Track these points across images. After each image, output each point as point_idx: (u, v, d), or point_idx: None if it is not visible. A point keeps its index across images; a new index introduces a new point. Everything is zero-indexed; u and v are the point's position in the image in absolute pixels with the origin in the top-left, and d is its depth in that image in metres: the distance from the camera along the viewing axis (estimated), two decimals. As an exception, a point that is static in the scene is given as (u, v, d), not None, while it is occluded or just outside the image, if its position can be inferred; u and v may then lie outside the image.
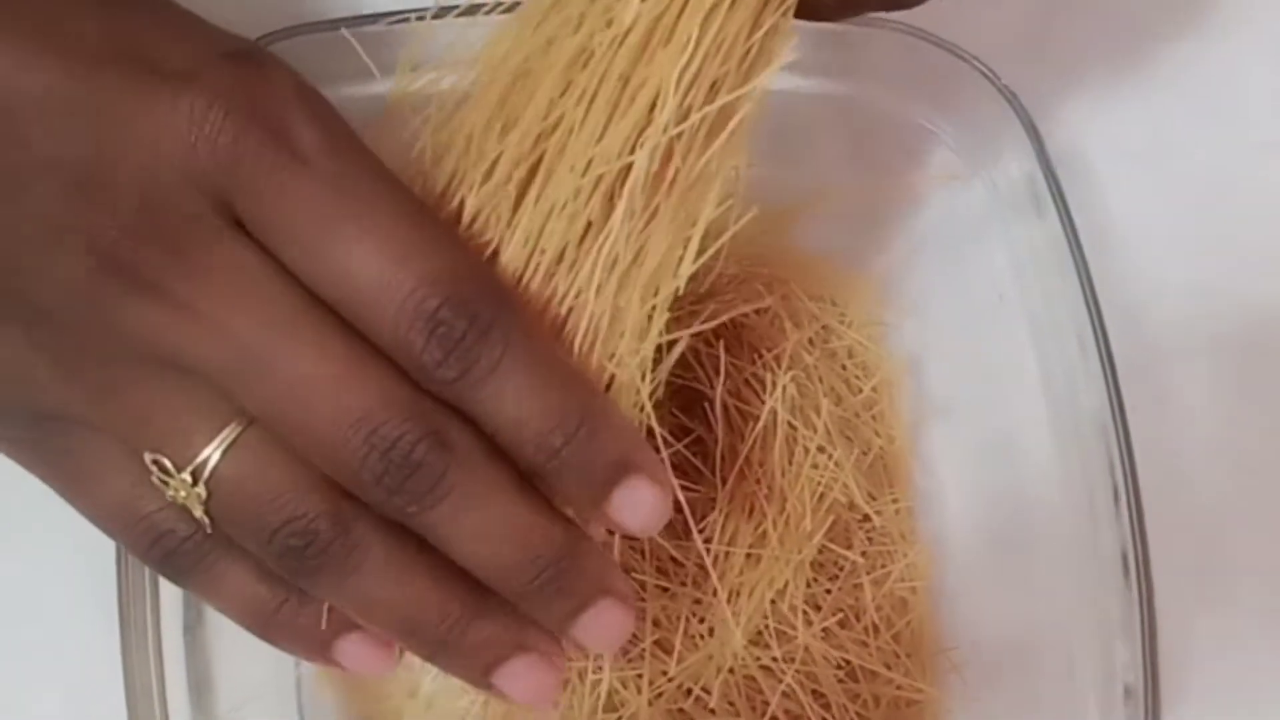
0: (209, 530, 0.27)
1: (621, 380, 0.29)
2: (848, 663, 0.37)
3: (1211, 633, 0.40)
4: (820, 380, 0.41)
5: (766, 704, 0.36)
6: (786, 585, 0.36)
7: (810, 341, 0.41)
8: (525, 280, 0.28)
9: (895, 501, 0.41)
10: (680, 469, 0.38)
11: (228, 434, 0.27)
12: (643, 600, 0.36)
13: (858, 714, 0.37)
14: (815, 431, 0.38)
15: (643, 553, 0.36)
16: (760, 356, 0.39)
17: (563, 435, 0.26)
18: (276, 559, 0.27)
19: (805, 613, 0.37)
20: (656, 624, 0.36)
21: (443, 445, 0.26)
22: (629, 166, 0.27)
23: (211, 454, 0.26)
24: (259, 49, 0.27)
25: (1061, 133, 0.40)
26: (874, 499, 0.41)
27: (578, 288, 0.28)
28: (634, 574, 0.36)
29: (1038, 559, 0.40)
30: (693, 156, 0.28)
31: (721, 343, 0.38)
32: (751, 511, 0.37)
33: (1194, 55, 0.45)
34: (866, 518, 0.40)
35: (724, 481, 0.36)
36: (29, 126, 0.26)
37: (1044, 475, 0.41)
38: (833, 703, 0.37)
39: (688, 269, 0.29)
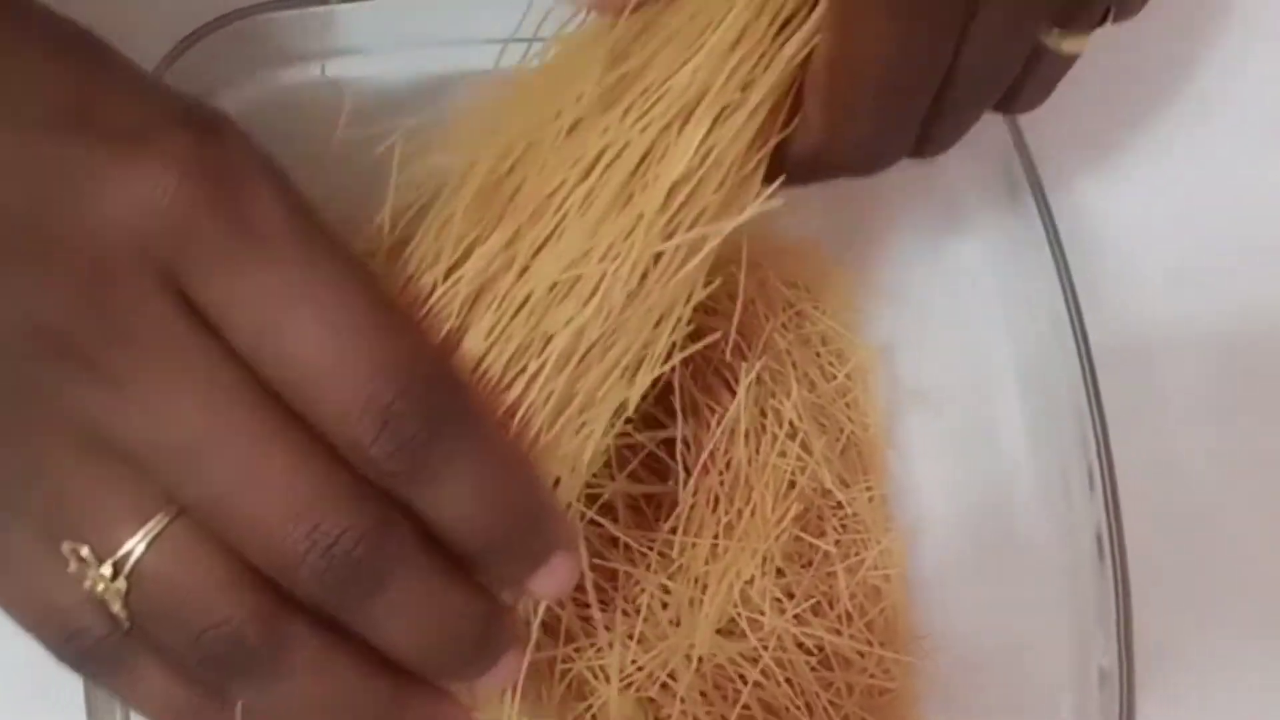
0: (127, 627, 0.26)
1: (566, 455, 0.29)
2: (821, 650, 0.37)
3: (1187, 619, 0.40)
4: (794, 366, 0.40)
5: (739, 693, 0.36)
6: (753, 576, 0.35)
7: (784, 327, 0.41)
8: (482, 369, 0.28)
9: (869, 489, 0.41)
10: (649, 462, 0.37)
11: (154, 525, 0.25)
12: (613, 590, 0.36)
13: (830, 702, 0.36)
14: (784, 421, 0.38)
15: (614, 541, 0.36)
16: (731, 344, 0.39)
17: (501, 534, 0.26)
18: (199, 662, 0.25)
19: (778, 600, 0.37)
20: (626, 614, 0.35)
21: (385, 542, 0.25)
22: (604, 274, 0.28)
23: (135, 545, 0.25)
24: (218, 114, 0.26)
25: (1039, 121, 0.40)
26: (847, 486, 0.40)
27: (535, 383, 0.28)
28: (605, 562, 0.36)
29: (1013, 546, 0.40)
30: (666, 276, 0.29)
31: (692, 327, 0.38)
32: (717, 503, 0.37)
33: (1178, 49, 0.45)
34: (840, 505, 0.40)
35: (689, 473, 0.36)
36: None
37: (1020, 462, 0.41)
38: (805, 691, 0.36)
39: (644, 382, 0.30)
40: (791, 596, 0.38)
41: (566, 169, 0.29)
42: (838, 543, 0.39)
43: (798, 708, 0.36)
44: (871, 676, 0.37)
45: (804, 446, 0.38)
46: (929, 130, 0.31)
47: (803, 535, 0.38)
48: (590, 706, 0.35)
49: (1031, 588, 0.39)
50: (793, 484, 0.38)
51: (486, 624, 0.27)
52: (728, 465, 0.37)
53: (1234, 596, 0.41)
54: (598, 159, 0.29)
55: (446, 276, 0.28)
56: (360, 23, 0.38)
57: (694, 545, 0.36)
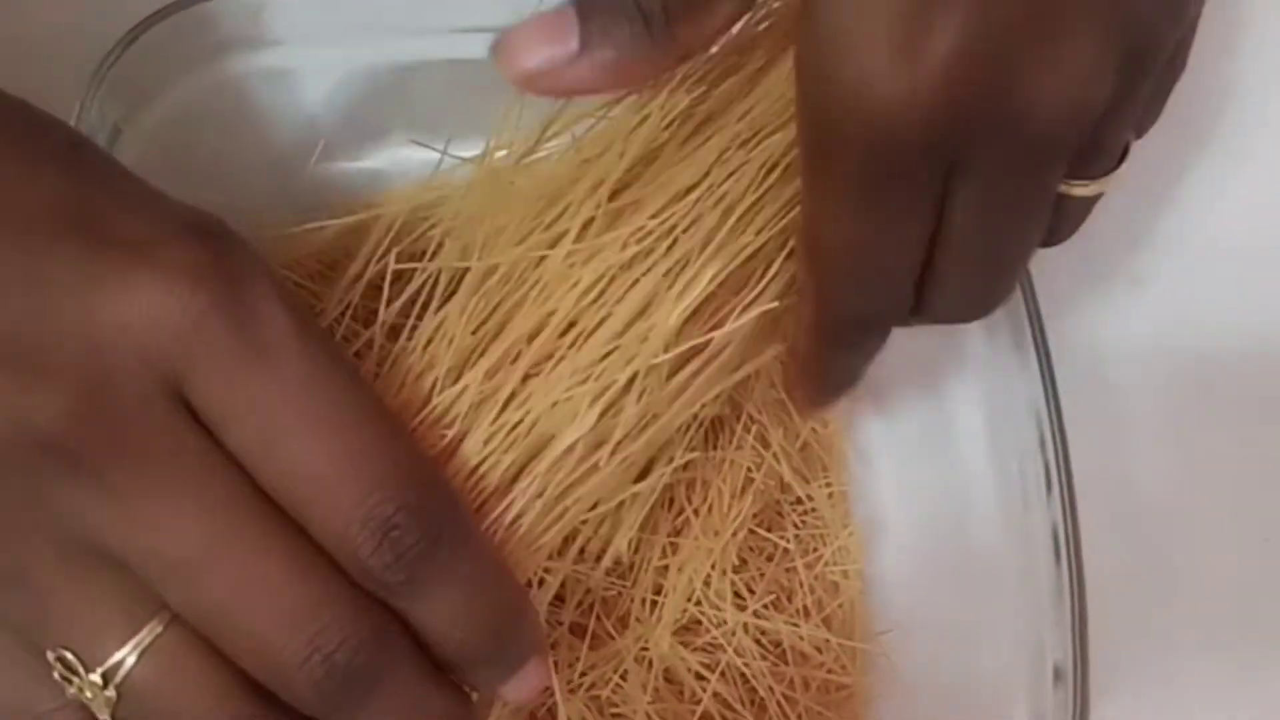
0: None
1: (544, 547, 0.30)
2: (776, 646, 0.37)
3: (1142, 622, 0.40)
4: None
5: (692, 689, 0.36)
6: (709, 577, 0.35)
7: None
8: (478, 475, 0.28)
9: (828, 486, 0.41)
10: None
11: (146, 634, 0.25)
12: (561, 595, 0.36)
13: (784, 695, 0.36)
14: (742, 415, 0.38)
15: (568, 539, 0.36)
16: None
17: (485, 645, 0.27)
18: None
19: (737, 596, 0.37)
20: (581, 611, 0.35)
21: (380, 649, 0.25)
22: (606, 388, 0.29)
23: (126, 655, 0.25)
24: (221, 223, 0.26)
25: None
26: (807, 482, 0.40)
27: (527, 493, 0.29)
28: (556, 563, 0.35)
29: (970, 546, 0.40)
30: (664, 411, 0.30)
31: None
32: (672, 501, 0.37)
33: None
34: (799, 500, 0.40)
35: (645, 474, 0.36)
36: None
37: (977, 463, 0.40)
38: (759, 687, 0.36)
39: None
40: (752, 592, 0.37)
41: (566, 290, 0.30)
42: (796, 538, 0.39)
43: (751, 703, 0.36)
44: (828, 671, 0.37)
45: (761, 440, 0.38)
46: (926, 297, 0.30)
47: (758, 530, 0.38)
48: (543, 705, 0.35)
49: (988, 587, 0.39)
50: (750, 480, 0.38)
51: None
52: (685, 465, 0.37)
53: (1188, 600, 0.41)
54: (602, 286, 0.30)
55: (445, 382, 0.29)
56: (308, 10, 0.38)
57: (648, 543, 0.36)
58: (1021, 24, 0.25)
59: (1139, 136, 0.31)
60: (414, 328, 0.30)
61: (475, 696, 0.29)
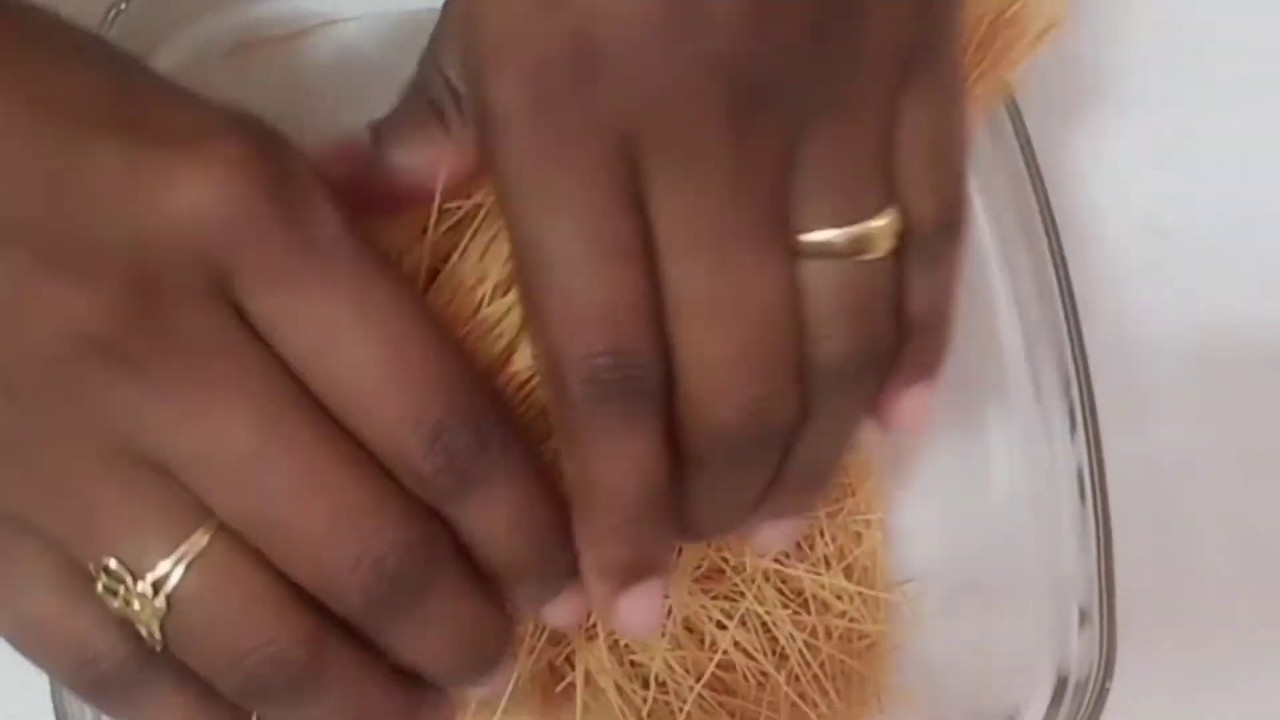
0: (159, 649, 0.25)
1: None
2: (798, 595, 0.36)
3: (1167, 565, 0.40)
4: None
5: (713, 637, 0.35)
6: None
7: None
8: (526, 392, 0.28)
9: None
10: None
11: (197, 542, 0.24)
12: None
13: (806, 644, 0.35)
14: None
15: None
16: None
17: (533, 554, 0.27)
18: (235, 685, 0.25)
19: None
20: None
21: (428, 556, 0.25)
22: None
23: (176, 564, 0.24)
24: (267, 124, 0.25)
25: (1039, 121, 0.39)
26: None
27: None
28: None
29: (993, 490, 0.39)
30: None
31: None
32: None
33: (1181, 51, 0.45)
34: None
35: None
36: (8, 186, 0.23)
37: (1001, 406, 0.40)
38: (780, 635, 0.36)
39: None
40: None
41: None
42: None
43: (773, 652, 0.36)
44: (850, 620, 0.37)
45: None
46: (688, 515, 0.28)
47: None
48: (559, 653, 0.34)
49: (1011, 533, 0.39)
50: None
51: (502, 642, 0.28)
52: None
53: (1214, 544, 0.41)
54: None
55: (494, 296, 0.28)
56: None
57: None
58: None
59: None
60: (465, 248, 0.29)
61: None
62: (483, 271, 0.28)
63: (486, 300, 0.28)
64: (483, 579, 0.27)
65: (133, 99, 0.24)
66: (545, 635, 0.34)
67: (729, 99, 0.24)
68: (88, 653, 0.25)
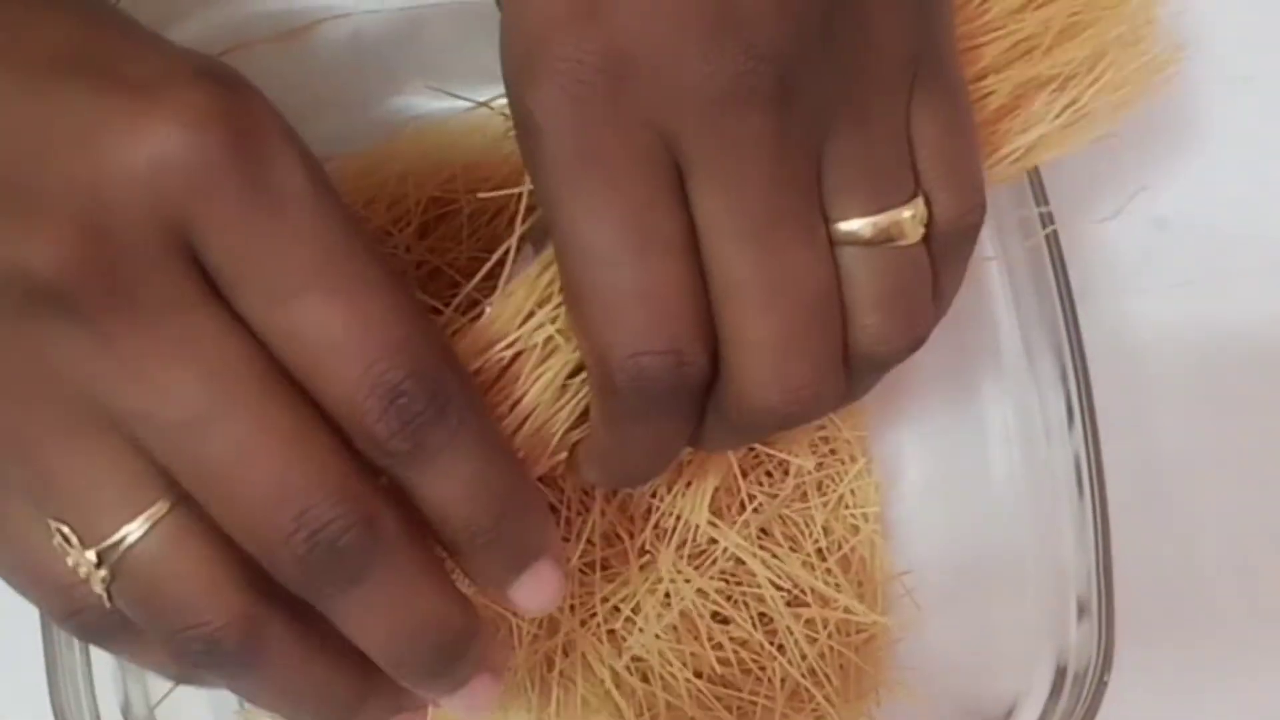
0: (109, 607, 0.25)
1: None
2: (796, 587, 0.36)
3: (1165, 558, 0.40)
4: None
5: (710, 629, 0.35)
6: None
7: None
8: (487, 357, 0.28)
9: (850, 429, 0.40)
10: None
11: (144, 519, 0.24)
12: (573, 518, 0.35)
13: (803, 635, 0.35)
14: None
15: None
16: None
17: (491, 521, 0.26)
18: (173, 658, 0.25)
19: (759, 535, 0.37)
20: (591, 543, 0.35)
21: (371, 533, 0.24)
22: None
23: (122, 537, 0.24)
24: (237, 73, 0.24)
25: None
26: (824, 425, 0.40)
27: (533, 376, 0.28)
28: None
29: (992, 481, 0.39)
30: None
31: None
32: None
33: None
34: (818, 442, 0.39)
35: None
36: None
37: (998, 397, 0.40)
38: (779, 627, 0.36)
39: None
40: (766, 533, 0.37)
41: None
42: (819, 466, 0.38)
43: (771, 644, 0.36)
44: (845, 611, 0.36)
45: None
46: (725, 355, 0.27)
47: (769, 451, 0.38)
48: (555, 644, 0.34)
49: (1009, 525, 0.38)
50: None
51: (460, 637, 0.27)
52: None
53: (1212, 539, 0.41)
54: None
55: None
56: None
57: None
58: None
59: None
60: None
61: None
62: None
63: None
64: (441, 568, 0.26)
65: (99, 44, 0.24)
66: (543, 626, 0.34)
67: (763, 90, 0.24)
68: (73, 603, 0.25)
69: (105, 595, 0.25)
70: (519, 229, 0.28)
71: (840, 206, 0.26)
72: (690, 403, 0.27)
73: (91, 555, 0.24)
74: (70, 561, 0.24)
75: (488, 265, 0.28)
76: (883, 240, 0.26)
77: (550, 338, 0.28)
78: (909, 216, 0.27)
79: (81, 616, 0.26)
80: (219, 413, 0.23)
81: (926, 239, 0.27)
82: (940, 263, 0.28)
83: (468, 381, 0.26)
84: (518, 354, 0.28)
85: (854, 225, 0.26)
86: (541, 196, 0.26)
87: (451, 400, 0.25)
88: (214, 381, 0.23)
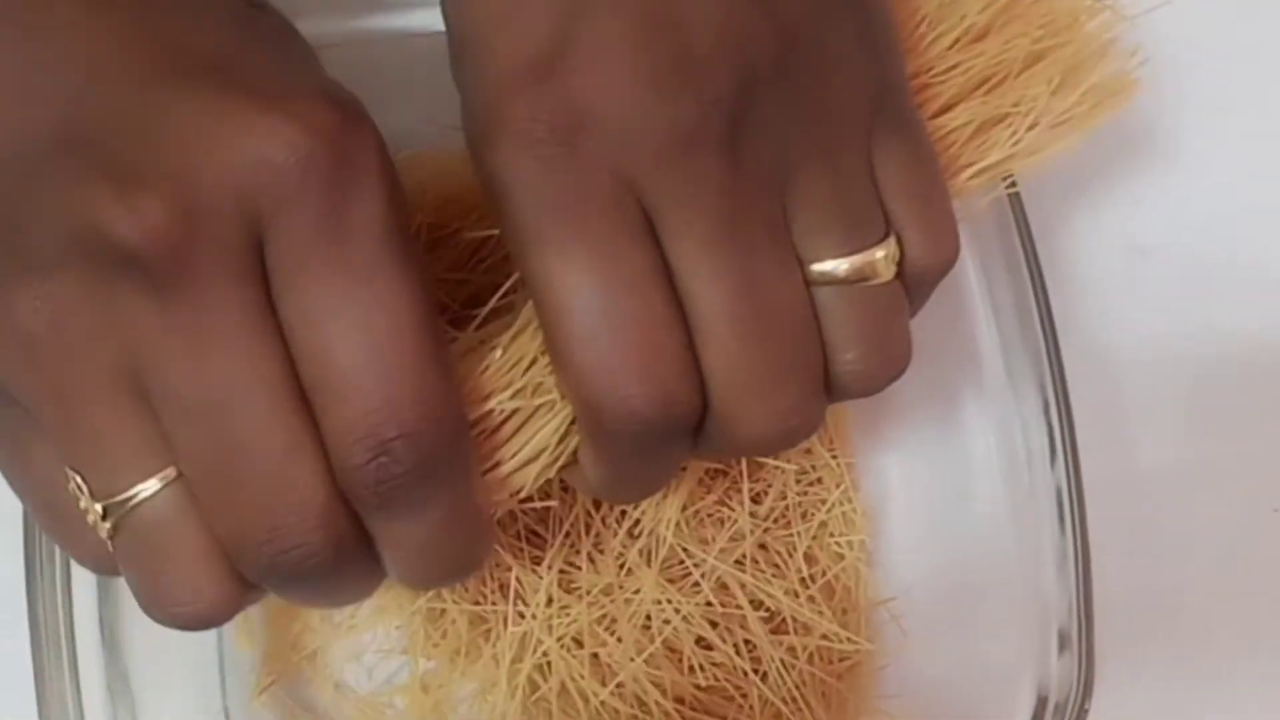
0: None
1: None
2: (779, 615, 0.37)
3: (1147, 588, 0.40)
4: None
5: (692, 654, 0.35)
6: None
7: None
8: (489, 406, 0.28)
9: (834, 455, 0.40)
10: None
11: (150, 485, 0.25)
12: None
13: (784, 662, 0.36)
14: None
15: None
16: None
17: (424, 582, 0.28)
18: (158, 615, 0.27)
19: (740, 562, 0.37)
20: (577, 566, 0.35)
21: (335, 564, 0.26)
22: None
23: (128, 498, 0.25)
24: (360, 105, 0.26)
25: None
26: (809, 452, 0.40)
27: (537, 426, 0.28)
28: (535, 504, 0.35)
29: (975, 514, 0.40)
30: None
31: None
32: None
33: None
34: (803, 471, 0.40)
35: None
36: (97, 111, 0.25)
37: (981, 430, 0.40)
38: (761, 654, 0.36)
39: None
40: (754, 560, 0.37)
41: None
42: (800, 508, 0.39)
43: (755, 672, 0.36)
44: (822, 638, 0.37)
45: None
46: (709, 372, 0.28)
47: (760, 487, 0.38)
48: (537, 667, 0.35)
49: (992, 556, 0.39)
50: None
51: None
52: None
53: (1194, 570, 0.41)
54: None
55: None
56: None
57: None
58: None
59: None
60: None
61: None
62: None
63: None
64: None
65: (242, 57, 0.25)
66: (533, 650, 0.35)
67: (715, 134, 0.25)
68: (86, 549, 0.27)
69: (109, 546, 0.26)
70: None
71: (814, 248, 0.27)
72: (683, 437, 0.27)
73: (99, 508, 0.25)
74: (82, 506, 0.26)
75: (490, 304, 0.29)
76: (857, 280, 0.27)
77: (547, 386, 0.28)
78: (882, 257, 0.27)
79: (100, 564, 0.27)
80: (226, 407, 0.25)
81: (900, 275, 0.28)
82: (914, 298, 0.29)
83: (462, 449, 0.26)
84: (516, 410, 0.28)
85: (828, 266, 0.27)
86: (515, 254, 0.26)
87: (435, 470, 0.25)
88: (229, 376, 0.24)
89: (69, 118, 0.25)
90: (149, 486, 0.25)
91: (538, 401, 0.28)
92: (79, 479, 0.26)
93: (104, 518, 0.25)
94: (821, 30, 0.27)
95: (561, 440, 0.28)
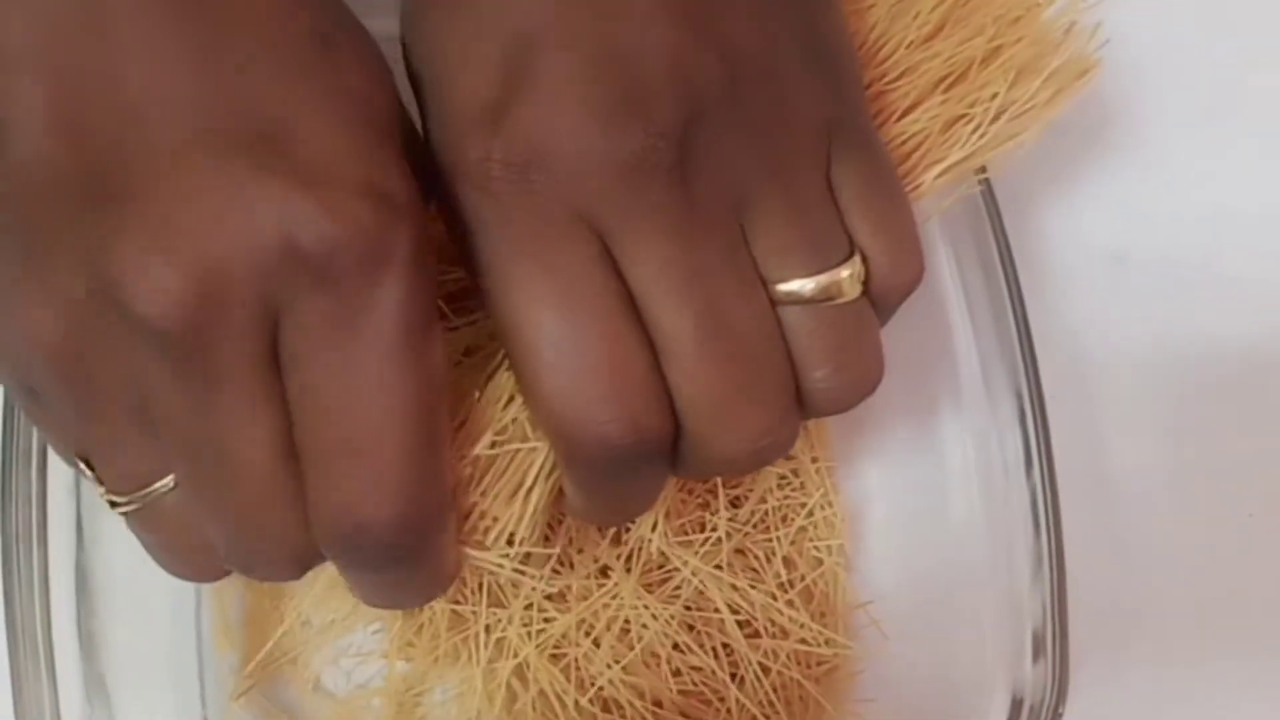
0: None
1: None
2: (755, 618, 0.37)
3: (1122, 594, 0.40)
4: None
5: (669, 657, 0.36)
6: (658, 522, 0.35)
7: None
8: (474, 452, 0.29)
9: (815, 460, 0.41)
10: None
11: (149, 491, 0.27)
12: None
13: (760, 664, 0.36)
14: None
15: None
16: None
17: (395, 608, 0.31)
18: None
19: (728, 564, 0.37)
20: (555, 571, 0.35)
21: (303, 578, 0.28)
22: None
23: (125, 504, 0.27)
24: (411, 193, 0.26)
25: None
26: (791, 457, 0.40)
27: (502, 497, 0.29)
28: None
29: (951, 521, 0.40)
30: None
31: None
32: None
33: (1131, 76, 0.45)
34: (783, 477, 0.40)
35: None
36: (121, 152, 0.25)
37: (958, 438, 0.40)
38: (740, 658, 0.36)
39: None
40: (730, 565, 0.37)
41: None
42: (780, 512, 0.39)
43: (732, 677, 0.36)
44: (801, 642, 0.37)
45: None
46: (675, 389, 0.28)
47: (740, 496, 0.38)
48: (515, 667, 0.35)
49: (967, 562, 0.39)
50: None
51: None
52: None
53: (1169, 576, 0.42)
54: None
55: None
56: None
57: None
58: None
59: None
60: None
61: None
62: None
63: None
64: None
65: (297, 118, 0.25)
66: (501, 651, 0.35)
67: (663, 163, 0.26)
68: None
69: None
70: None
71: (778, 268, 0.27)
72: (658, 460, 0.27)
73: (105, 495, 0.28)
74: (89, 478, 0.28)
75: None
76: (824, 299, 0.27)
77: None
78: (847, 276, 0.27)
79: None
80: (222, 451, 0.25)
81: (866, 292, 0.28)
82: (881, 313, 0.29)
83: (434, 535, 0.27)
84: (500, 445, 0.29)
85: (794, 285, 0.27)
86: (482, 293, 0.27)
87: (402, 555, 0.26)
88: (225, 439, 0.25)
89: (106, 160, 0.25)
90: (148, 492, 0.27)
91: (518, 446, 0.29)
92: (82, 466, 0.27)
93: (113, 506, 0.27)
94: (772, 56, 0.27)
95: (549, 477, 0.29)
